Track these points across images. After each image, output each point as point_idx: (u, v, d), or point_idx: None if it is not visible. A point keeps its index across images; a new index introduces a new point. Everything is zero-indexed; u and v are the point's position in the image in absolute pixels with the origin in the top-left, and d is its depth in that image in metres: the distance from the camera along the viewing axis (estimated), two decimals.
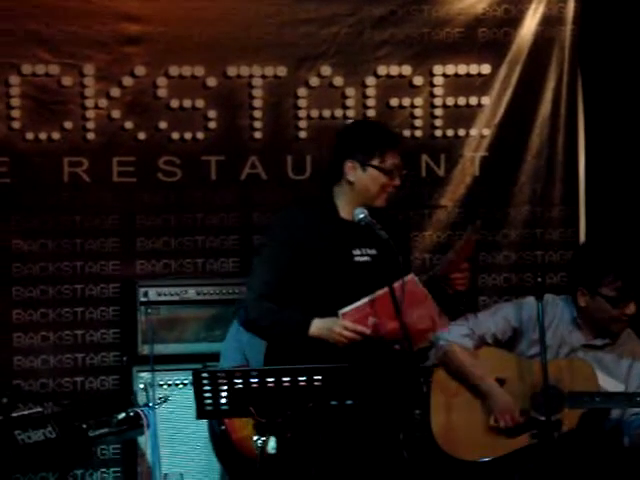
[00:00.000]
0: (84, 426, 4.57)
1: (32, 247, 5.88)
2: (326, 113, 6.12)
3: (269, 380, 4.14)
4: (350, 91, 6.13)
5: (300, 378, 4.15)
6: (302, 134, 6.11)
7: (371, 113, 6.15)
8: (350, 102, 6.13)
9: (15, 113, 5.81)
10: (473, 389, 4.89)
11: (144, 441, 4.95)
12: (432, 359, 4.96)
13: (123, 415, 4.78)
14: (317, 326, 4.50)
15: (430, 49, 6.18)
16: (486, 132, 6.28)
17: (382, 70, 6.15)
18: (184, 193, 6.05)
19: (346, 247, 4.59)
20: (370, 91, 6.15)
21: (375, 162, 4.59)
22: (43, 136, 5.86)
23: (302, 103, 6.10)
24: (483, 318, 5.01)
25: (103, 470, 5.79)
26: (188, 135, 6.02)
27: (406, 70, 6.18)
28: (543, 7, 6.29)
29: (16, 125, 5.82)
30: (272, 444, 4.31)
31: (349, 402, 4.22)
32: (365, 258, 4.61)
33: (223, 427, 5.24)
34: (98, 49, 5.86)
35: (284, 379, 4.15)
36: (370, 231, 4.54)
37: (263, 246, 4.69)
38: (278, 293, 4.56)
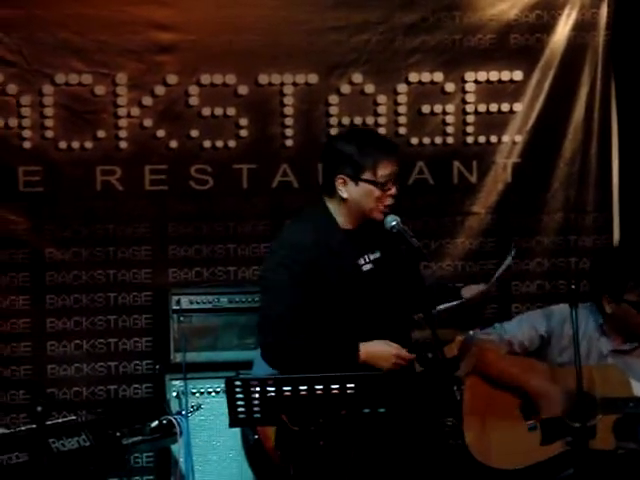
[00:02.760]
0: (118, 434, 4.57)
1: (65, 256, 5.91)
2: (357, 120, 6.11)
3: (302, 388, 4.13)
4: (381, 98, 6.13)
5: (333, 386, 4.13)
6: None
7: (402, 120, 6.15)
8: (381, 109, 6.13)
9: (48, 122, 5.85)
10: (514, 391, 4.86)
11: (177, 449, 4.95)
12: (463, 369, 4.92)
13: (156, 423, 4.78)
14: (367, 352, 4.35)
15: (462, 56, 6.16)
16: (518, 138, 6.25)
17: (414, 77, 6.15)
18: (216, 201, 6.06)
19: (353, 259, 4.47)
20: (401, 98, 6.14)
21: (367, 176, 4.38)
22: (76, 145, 5.89)
23: (333, 110, 6.10)
24: (510, 327, 4.99)
25: (137, 478, 5.80)
26: (220, 143, 6.03)
27: (438, 77, 6.17)
28: (576, 13, 6.26)
29: (49, 134, 5.86)
30: None
31: (382, 410, 4.20)
32: (369, 266, 4.49)
33: (257, 436, 5.23)
34: (130, 58, 5.89)
35: (317, 387, 4.13)
36: (395, 237, 4.46)
37: (273, 270, 4.38)
38: (302, 317, 4.35)
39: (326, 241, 4.41)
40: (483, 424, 4.86)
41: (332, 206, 4.46)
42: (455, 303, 4.58)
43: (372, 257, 4.50)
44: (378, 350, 4.36)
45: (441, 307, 4.55)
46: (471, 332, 4.80)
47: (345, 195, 4.41)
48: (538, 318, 4.98)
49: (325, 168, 4.49)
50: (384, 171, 4.40)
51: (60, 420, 4.50)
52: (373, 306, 4.43)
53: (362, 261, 4.47)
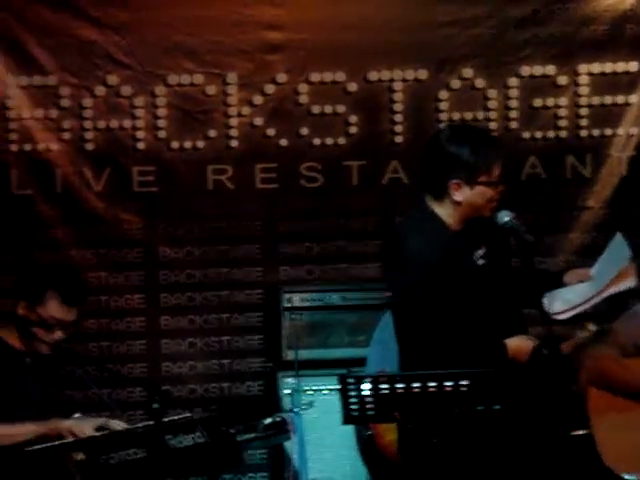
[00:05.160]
0: (232, 431, 4.60)
1: (178, 254, 5.98)
2: (468, 115, 6.07)
3: (415, 385, 4.10)
4: (492, 93, 6.07)
5: (446, 383, 4.10)
6: None
7: (513, 115, 6.08)
8: (492, 104, 6.07)
9: (161, 123, 5.93)
10: None
11: (290, 446, 4.97)
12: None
13: (270, 420, 4.80)
14: (513, 348, 4.31)
15: (575, 48, 6.07)
16: (634, 131, 6.14)
17: (525, 71, 6.07)
18: (326, 198, 6.07)
19: (469, 258, 4.42)
20: (512, 92, 6.08)
21: (483, 178, 4.32)
22: (188, 145, 5.96)
23: (443, 106, 6.06)
24: (621, 327, 4.86)
25: (251, 475, 5.85)
26: (329, 140, 6.04)
27: (550, 70, 6.09)
28: None
29: (162, 135, 5.94)
30: None
31: (496, 407, 4.16)
32: (482, 261, 4.46)
33: (370, 432, 5.22)
34: (241, 58, 5.94)
35: (430, 384, 4.10)
36: (501, 232, 4.40)
37: (407, 292, 4.30)
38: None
39: (444, 247, 4.35)
40: (614, 428, 4.72)
41: (440, 209, 4.39)
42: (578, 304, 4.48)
43: (481, 253, 4.46)
44: (524, 345, 4.31)
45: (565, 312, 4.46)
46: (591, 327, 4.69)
47: (459, 199, 4.35)
48: None
49: (435, 172, 4.38)
50: (497, 171, 4.36)
51: (176, 417, 4.55)
52: (491, 302, 4.39)
53: (475, 257, 4.43)
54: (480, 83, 6.07)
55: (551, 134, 6.12)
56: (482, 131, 4.77)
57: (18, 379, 4.76)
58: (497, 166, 4.36)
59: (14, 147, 5.81)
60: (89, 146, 5.89)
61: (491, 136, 4.60)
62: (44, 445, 4.40)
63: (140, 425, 4.62)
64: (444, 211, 4.39)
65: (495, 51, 6.04)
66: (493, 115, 6.07)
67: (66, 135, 5.86)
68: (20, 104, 5.79)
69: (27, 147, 5.82)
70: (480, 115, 6.06)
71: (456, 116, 6.06)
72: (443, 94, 6.06)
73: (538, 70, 6.08)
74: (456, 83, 6.07)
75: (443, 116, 6.06)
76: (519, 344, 4.31)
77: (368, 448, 5.29)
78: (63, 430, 4.52)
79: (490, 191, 4.36)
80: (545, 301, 4.40)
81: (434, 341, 4.27)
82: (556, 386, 4.44)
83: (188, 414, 4.63)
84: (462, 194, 4.35)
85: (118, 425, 4.66)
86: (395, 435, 4.60)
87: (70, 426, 4.54)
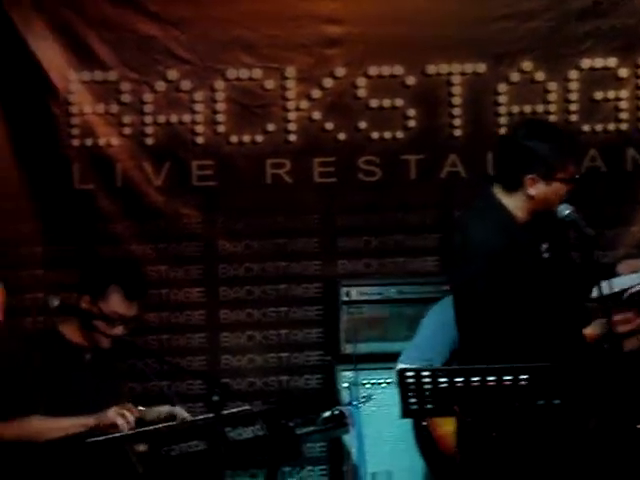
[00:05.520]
0: (291, 424, 4.62)
1: (237, 248, 6.01)
2: (527, 109, 6.04)
3: (474, 379, 4.10)
4: (552, 86, 6.03)
5: (505, 377, 4.09)
6: (502, 131, 6.03)
7: (574, 107, 6.04)
8: (552, 97, 6.03)
9: (220, 117, 5.96)
10: None
11: (349, 440, 4.97)
12: None
13: (328, 414, 4.81)
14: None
15: (636, 40, 6.02)
16: None
17: (585, 63, 6.03)
18: (384, 192, 6.07)
19: (536, 251, 4.44)
20: (573, 85, 6.03)
21: (560, 175, 4.36)
22: (247, 139, 5.99)
23: (502, 99, 6.03)
24: None
25: (309, 468, 5.86)
26: (388, 134, 6.04)
27: (611, 62, 6.04)
28: None
29: (221, 129, 5.97)
30: None
31: (556, 402, 4.14)
32: (547, 255, 4.47)
33: (424, 423, 5.22)
34: (299, 52, 5.95)
35: (489, 378, 4.09)
36: (563, 225, 4.38)
37: (470, 283, 4.31)
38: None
39: (511, 238, 4.36)
40: None
41: (510, 201, 4.42)
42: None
43: (545, 246, 4.46)
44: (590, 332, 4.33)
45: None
46: None
47: (533, 193, 4.38)
48: None
49: (511, 166, 4.41)
50: (572, 168, 4.40)
51: (235, 410, 4.57)
52: (556, 295, 4.37)
53: (542, 250, 4.43)
54: (540, 76, 6.03)
55: (611, 127, 6.06)
56: (560, 129, 4.73)
57: (76, 375, 4.80)
58: (573, 163, 4.40)
59: (76, 142, 5.87)
60: (149, 141, 5.94)
61: (568, 134, 4.61)
62: (106, 437, 4.44)
63: (200, 417, 4.66)
64: (513, 203, 4.41)
65: (555, 44, 6.00)
66: (553, 108, 6.03)
67: (127, 130, 5.91)
68: (82, 99, 5.86)
69: (88, 142, 5.88)
70: (540, 108, 6.03)
71: (515, 109, 6.03)
72: (502, 87, 6.03)
73: (599, 62, 6.03)
74: (515, 76, 6.03)
75: (502, 109, 6.03)
76: (593, 333, 4.32)
77: (424, 439, 5.29)
78: (109, 418, 4.52)
79: (564, 188, 4.39)
80: (602, 285, 4.38)
81: (496, 332, 4.26)
82: (618, 380, 4.41)
83: (247, 407, 4.65)
84: (537, 189, 4.38)
85: (184, 413, 4.70)
86: (450, 426, 4.61)
87: (114, 415, 4.54)
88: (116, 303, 4.83)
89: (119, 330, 4.84)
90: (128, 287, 4.87)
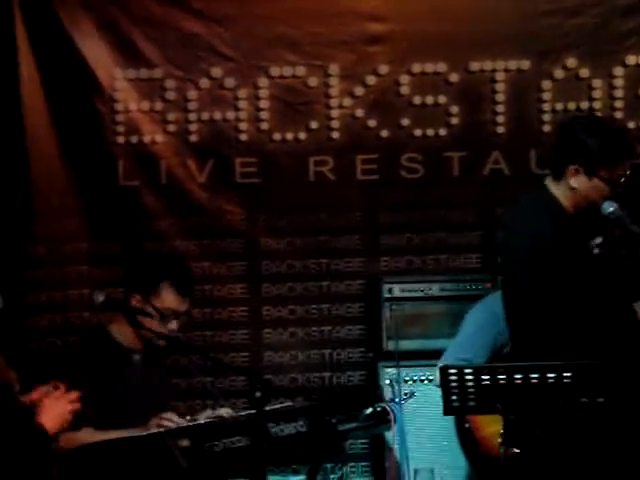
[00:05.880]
0: (333, 420, 4.63)
1: (280, 245, 6.03)
2: (571, 106, 6.01)
3: (517, 377, 4.09)
4: (597, 82, 6.00)
5: (549, 375, 4.08)
6: (546, 127, 6.01)
7: (619, 104, 6.00)
8: (597, 94, 6.00)
9: (264, 115, 5.98)
10: None
11: (391, 436, 4.98)
12: None
13: (370, 410, 4.81)
14: None
15: None
16: None
17: (631, 60, 5.99)
18: (426, 189, 6.06)
19: (584, 244, 4.42)
20: (618, 82, 6.00)
21: (603, 173, 4.34)
22: (290, 136, 6.00)
23: (546, 96, 6.01)
24: None
25: (352, 464, 5.88)
26: (430, 131, 6.03)
27: None
28: None
29: (264, 126, 5.99)
30: None
31: (600, 400, 4.12)
32: (597, 250, 4.44)
33: (467, 425, 5.22)
34: (342, 49, 5.96)
35: (532, 375, 4.09)
36: (611, 222, 4.35)
37: (521, 273, 4.30)
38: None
39: (560, 226, 4.36)
40: None
41: (558, 191, 4.43)
42: None
43: (597, 241, 4.43)
44: None
45: None
46: None
47: (574, 185, 4.37)
48: None
49: (559, 152, 4.43)
50: (620, 171, 4.36)
51: (277, 406, 4.58)
52: (604, 292, 4.35)
53: (591, 246, 4.41)
54: (584, 73, 6.00)
55: None
56: (619, 129, 4.68)
57: (124, 377, 4.81)
58: (622, 166, 4.36)
59: (121, 139, 5.92)
60: (193, 138, 5.97)
61: (626, 137, 4.49)
62: (150, 432, 4.47)
63: (243, 413, 4.68)
64: (561, 193, 4.41)
65: (600, 40, 5.97)
66: (597, 105, 6.00)
67: (171, 127, 5.95)
68: (127, 97, 5.90)
69: (133, 139, 5.92)
70: (584, 105, 6.00)
71: (559, 106, 6.00)
72: (546, 84, 6.01)
73: None
74: (560, 73, 6.01)
75: (546, 107, 6.01)
76: None
77: (467, 441, 5.28)
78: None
79: (606, 188, 4.36)
80: None
81: (543, 328, 4.25)
82: None
83: (290, 403, 4.66)
84: (578, 181, 4.36)
85: (226, 413, 4.72)
86: (493, 428, 4.59)
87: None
88: (169, 299, 4.84)
89: (173, 326, 4.84)
90: (180, 282, 4.87)
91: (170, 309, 4.83)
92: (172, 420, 4.56)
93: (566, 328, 4.26)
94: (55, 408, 4.07)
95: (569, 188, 4.39)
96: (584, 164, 4.35)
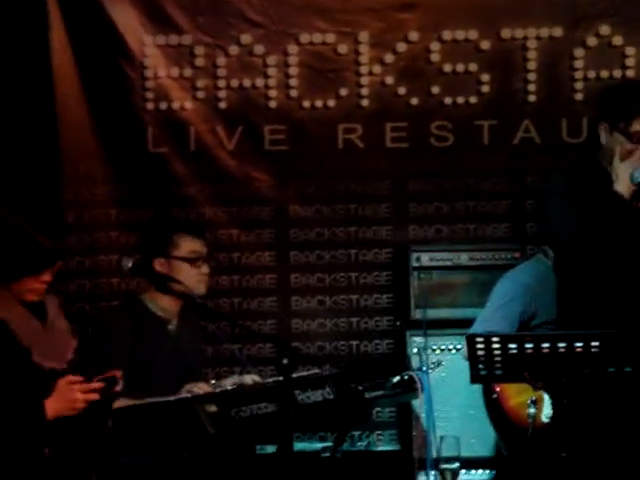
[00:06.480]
0: (360, 388, 4.63)
1: (308, 213, 6.03)
2: (604, 74, 5.95)
3: (544, 345, 4.07)
4: (630, 50, 5.94)
5: (577, 344, 4.06)
6: (578, 96, 5.96)
7: None
8: (630, 62, 5.94)
9: (293, 82, 5.96)
10: None
11: (418, 405, 4.98)
12: None
13: (397, 379, 4.81)
14: None
15: None
16: None
17: None
18: (456, 158, 6.03)
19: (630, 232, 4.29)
20: None
21: (621, 125, 4.26)
22: (319, 104, 5.99)
23: (578, 64, 5.95)
24: None
25: (379, 432, 5.89)
26: (461, 99, 5.99)
27: None
28: None
29: (294, 94, 5.97)
30: (547, 412, 4.23)
31: (628, 369, 4.10)
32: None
33: (495, 395, 5.21)
34: (373, 16, 5.93)
35: (560, 345, 4.06)
36: None
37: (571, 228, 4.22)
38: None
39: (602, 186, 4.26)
40: None
41: (600, 158, 4.35)
42: None
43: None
44: None
45: None
46: None
47: (603, 141, 4.33)
48: None
49: (598, 113, 4.40)
50: (637, 126, 4.25)
51: (305, 373, 4.59)
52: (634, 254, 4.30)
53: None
54: (618, 40, 5.93)
55: None
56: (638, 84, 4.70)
57: (157, 347, 4.82)
58: (638, 121, 4.27)
59: (150, 105, 5.93)
60: (222, 105, 5.97)
61: None
62: (178, 397, 4.50)
63: (270, 380, 4.69)
64: (601, 159, 4.34)
65: (634, 7, 5.90)
66: (630, 73, 5.93)
67: (200, 94, 5.95)
68: (156, 63, 5.90)
69: (163, 106, 5.93)
70: (617, 73, 5.94)
71: (591, 74, 5.95)
72: (578, 52, 5.95)
73: None
74: (592, 40, 5.95)
75: (578, 75, 5.95)
76: None
77: (495, 412, 5.27)
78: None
79: (626, 143, 4.26)
80: None
81: (585, 293, 4.21)
82: None
83: (317, 370, 4.67)
84: (604, 138, 4.32)
85: (251, 380, 4.73)
86: (521, 398, 4.57)
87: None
88: (187, 244, 4.89)
89: (205, 269, 4.90)
90: (189, 227, 4.98)
91: (192, 252, 4.88)
92: (203, 390, 4.58)
93: (603, 291, 4.23)
94: (67, 394, 4.05)
95: (600, 147, 4.34)
96: (608, 119, 4.31)
